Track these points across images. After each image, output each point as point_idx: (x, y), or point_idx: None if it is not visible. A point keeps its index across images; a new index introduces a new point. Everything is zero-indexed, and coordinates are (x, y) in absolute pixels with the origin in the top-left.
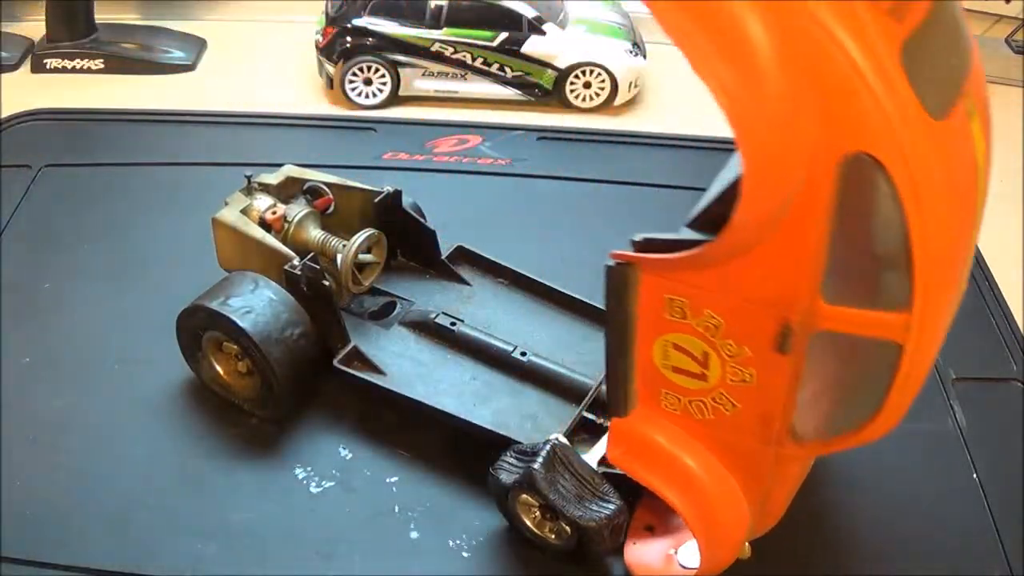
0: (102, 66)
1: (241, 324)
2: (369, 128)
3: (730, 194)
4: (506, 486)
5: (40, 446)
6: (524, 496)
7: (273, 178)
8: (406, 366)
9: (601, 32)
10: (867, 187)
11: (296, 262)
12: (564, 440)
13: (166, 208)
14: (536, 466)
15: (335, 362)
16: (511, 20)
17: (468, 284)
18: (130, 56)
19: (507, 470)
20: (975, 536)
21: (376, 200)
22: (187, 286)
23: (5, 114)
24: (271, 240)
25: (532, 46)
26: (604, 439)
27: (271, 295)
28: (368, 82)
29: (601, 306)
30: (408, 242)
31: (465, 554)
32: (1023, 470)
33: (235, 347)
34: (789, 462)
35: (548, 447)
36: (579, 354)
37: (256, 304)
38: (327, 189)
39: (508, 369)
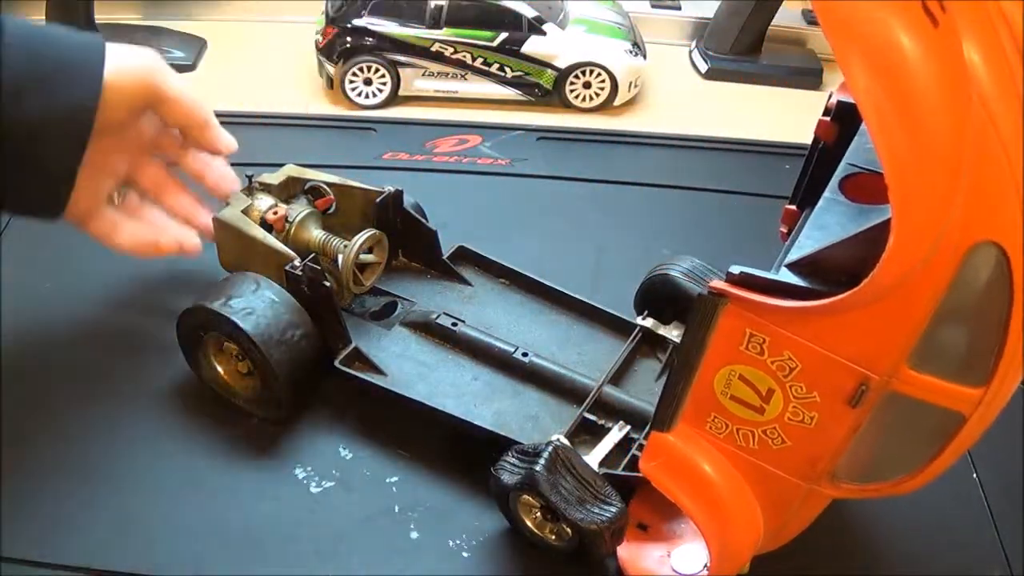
0: None
1: (243, 326)
2: (369, 128)
3: (849, 245)
4: (508, 487)
5: (40, 446)
6: (525, 497)
7: (274, 178)
8: (407, 366)
9: (601, 32)
10: (986, 273)
11: (297, 263)
12: (566, 441)
13: None
14: (538, 467)
15: (336, 363)
16: (511, 20)
17: (469, 284)
18: None
19: (509, 471)
20: (975, 536)
21: (378, 200)
22: (187, 286)
23: None
24: (271, 240)
25: (532, 46)
26: (606, 440)
27: (272, 296)
28: (368, 82)
29: (601, 306)
30: (409, 242)
31: (465, 554)
32: (1023, 470)
33: (235, 347)
34: (819, 499)
35: (550, 448)
36: (580, 355)
37: (257, 305)
38: (328, 189)
39: (509, 370)
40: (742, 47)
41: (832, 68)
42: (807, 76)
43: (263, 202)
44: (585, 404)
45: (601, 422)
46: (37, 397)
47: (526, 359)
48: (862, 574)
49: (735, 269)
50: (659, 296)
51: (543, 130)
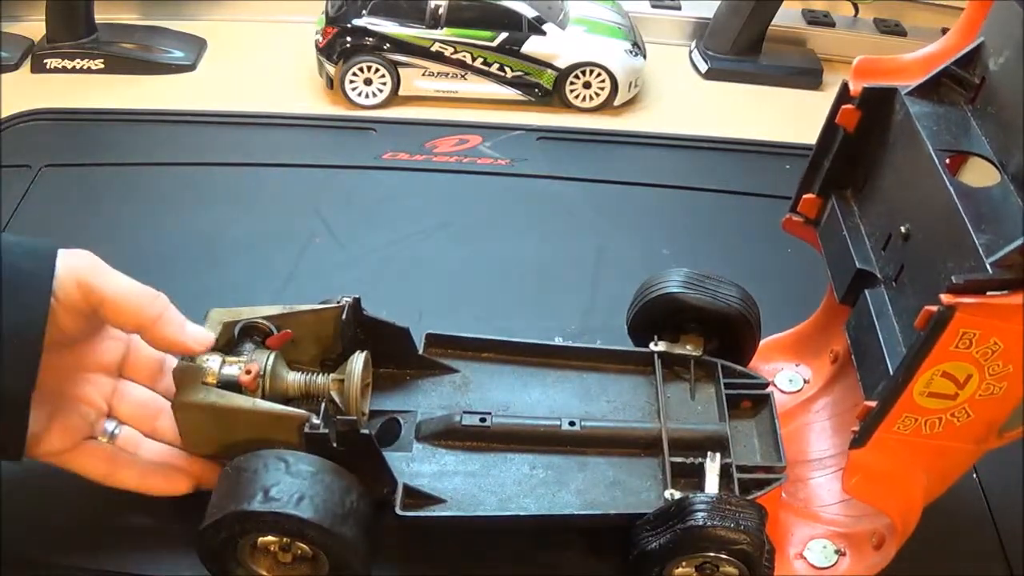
0: (102, 66)
1: (304, 515)
2: (369, 128)
3: None
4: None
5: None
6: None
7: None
8: (458, 484)
9: (601, 32)
10: None
11: (315, 420)
12: (679, 494)
13: (166, 208)
14: (753, 525)
15: (398, 511)
16: (511, 20)
17: (455, 371)
18: (130, 56)
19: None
20: (975, 536)
21: (343, 317)
22: (187, 286)
23: (5, 114)
24: (272, 406)
25: (532, 46)
26: (709, 475)
27: (308, 468)
28: (368, 82)
29: (595, 345)
30: (379, 349)
31: None
32: (1023, 470)
33: (276, 539)
34: (979, 454)
35: (758, 508)
36: (609, 402)
37: (302, 486)
38: (268, 324)
39: (563, 445)
40: (742, 47)
41: (832, 68)
42: (807, 76)
43: (212, 362)
44: (665, 448)
45: (689, 460)
46: None
47: (575, 427)
48: None
49: (957, 279)
50: (664, 317)
51: (543, 130)
